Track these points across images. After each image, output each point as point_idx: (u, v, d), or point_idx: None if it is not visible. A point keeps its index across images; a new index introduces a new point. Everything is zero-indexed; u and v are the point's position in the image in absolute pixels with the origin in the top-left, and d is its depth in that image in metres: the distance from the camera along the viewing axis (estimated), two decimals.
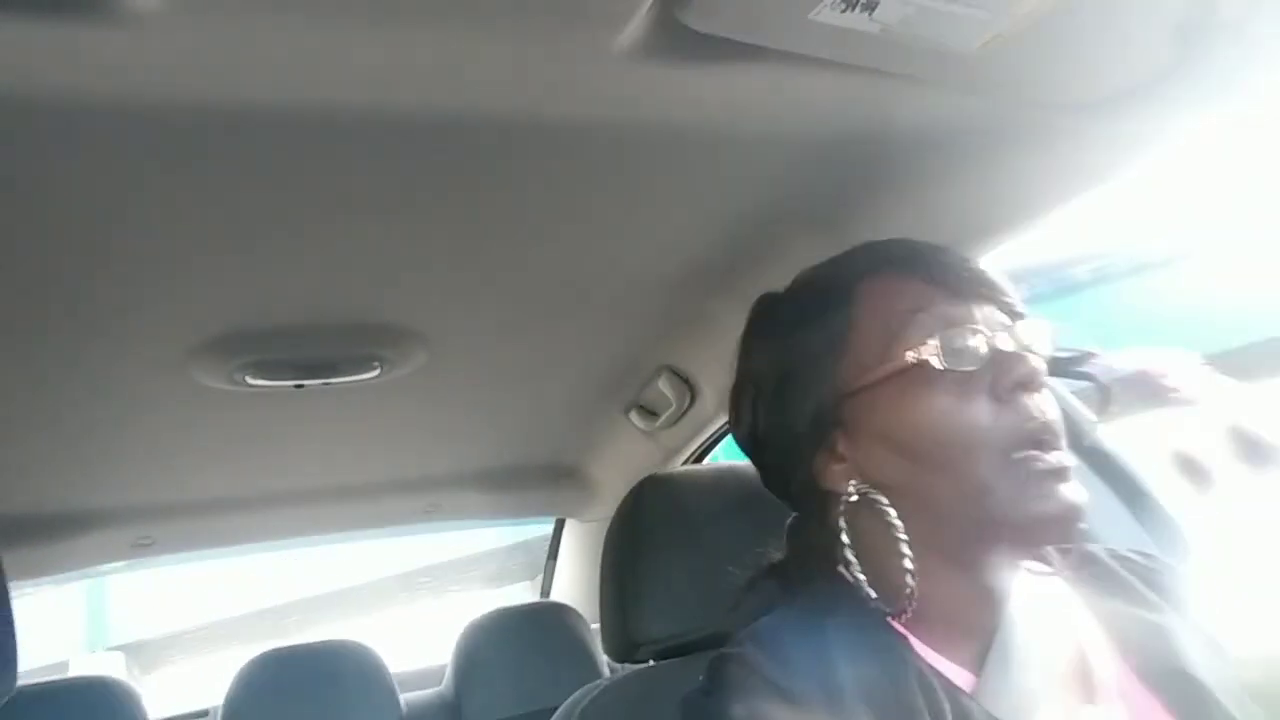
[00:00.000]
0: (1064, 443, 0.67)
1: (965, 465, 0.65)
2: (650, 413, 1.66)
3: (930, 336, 0.67)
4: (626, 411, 1.69)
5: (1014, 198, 0.99)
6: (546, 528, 2.40)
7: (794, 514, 0.80)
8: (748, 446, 0.81)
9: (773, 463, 0.78)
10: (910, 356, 0.67)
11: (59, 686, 1.63)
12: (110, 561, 1.89)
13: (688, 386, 1.54)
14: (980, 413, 0.66)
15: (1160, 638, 0.70)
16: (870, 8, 0.62)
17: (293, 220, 0.92)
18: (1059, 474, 0.65)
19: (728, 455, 1.73)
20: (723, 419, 1.61)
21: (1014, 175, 0.95)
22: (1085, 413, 1.11)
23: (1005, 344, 0.68)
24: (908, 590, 0.66)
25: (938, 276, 0.71)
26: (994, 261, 1.08)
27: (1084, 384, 0.79)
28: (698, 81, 0.73)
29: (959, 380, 0.66)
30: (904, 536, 0.67)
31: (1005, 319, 0.70)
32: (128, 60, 0.63)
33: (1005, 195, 0.98)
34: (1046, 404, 0.67)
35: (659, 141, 0.85)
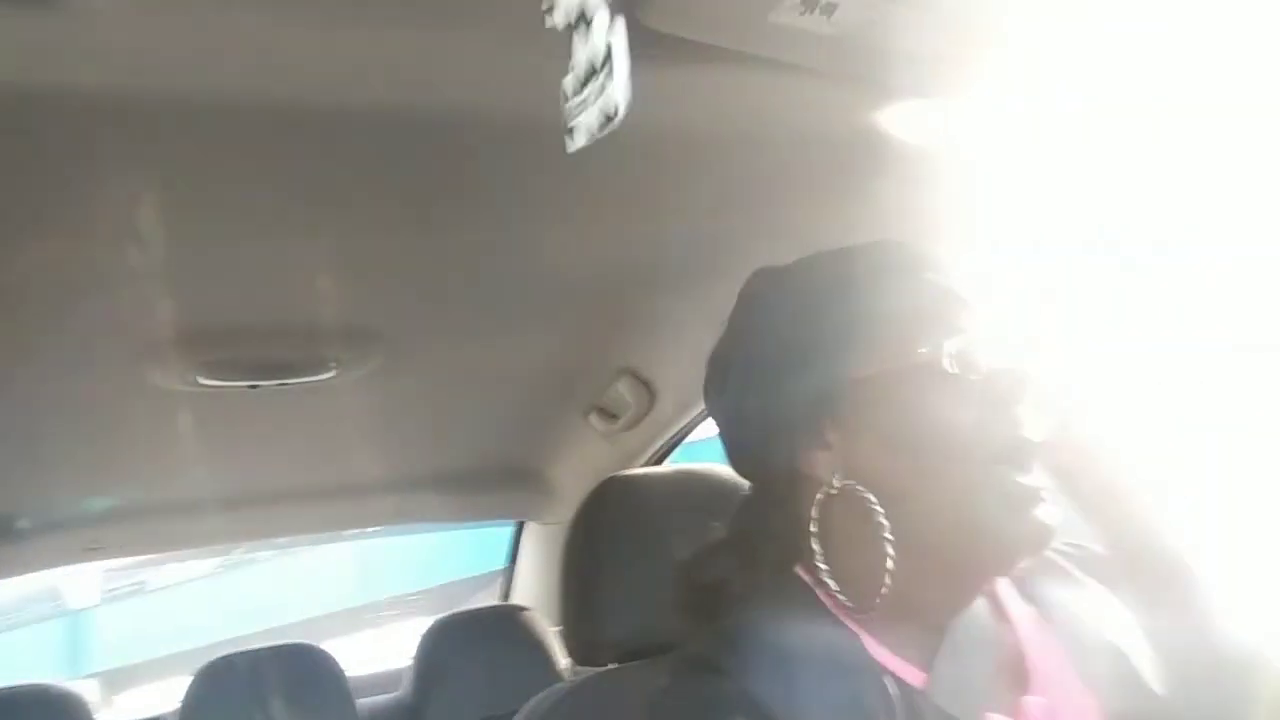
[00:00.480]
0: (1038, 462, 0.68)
1: (956, 471, 0.66)
2: (610, 415, 1.66)
3: (946, 339, 0.67)
4: (586, 414, 1.68)
5: (976, 204, 1.00)
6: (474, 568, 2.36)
7: (749, 493, 0.79)
8: (725, 418, 0.78)
9: (750, 439, 0.76)
10: (923, 355, 0.67)
11: (3, 694, 1.60)
12: (60, 565, 1.85)
13: (647, 389, 1.54)
14: (977, 420, 0.66)
15: (1086, 615, 0.72)
16: (829, 11, 0.62)
17: (246, 218, 0.90)
18: (1036, 495, 0.66)
19: (684, 458, 1.74)
20: (682, 421, 1.62)
21: (977, 181, 0.96)
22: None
23: (1006, 355, 0.68)
24: (882, 589, 0.66)
25: (956, 282, 0.71)
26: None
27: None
28: (657, 82, 0.73)
29: (962, 385, 0.67)
30: (890, 536, 0.66)
31: (1004, 330, 0.71)
32: (77, 50, 0.61)
33: (968, 201, 0.99)
34: (1032, 418, 0.68)
35: (617, 142, 0.84)
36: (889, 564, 0.66)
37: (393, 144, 0.79)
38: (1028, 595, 0.75)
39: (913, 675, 0.67)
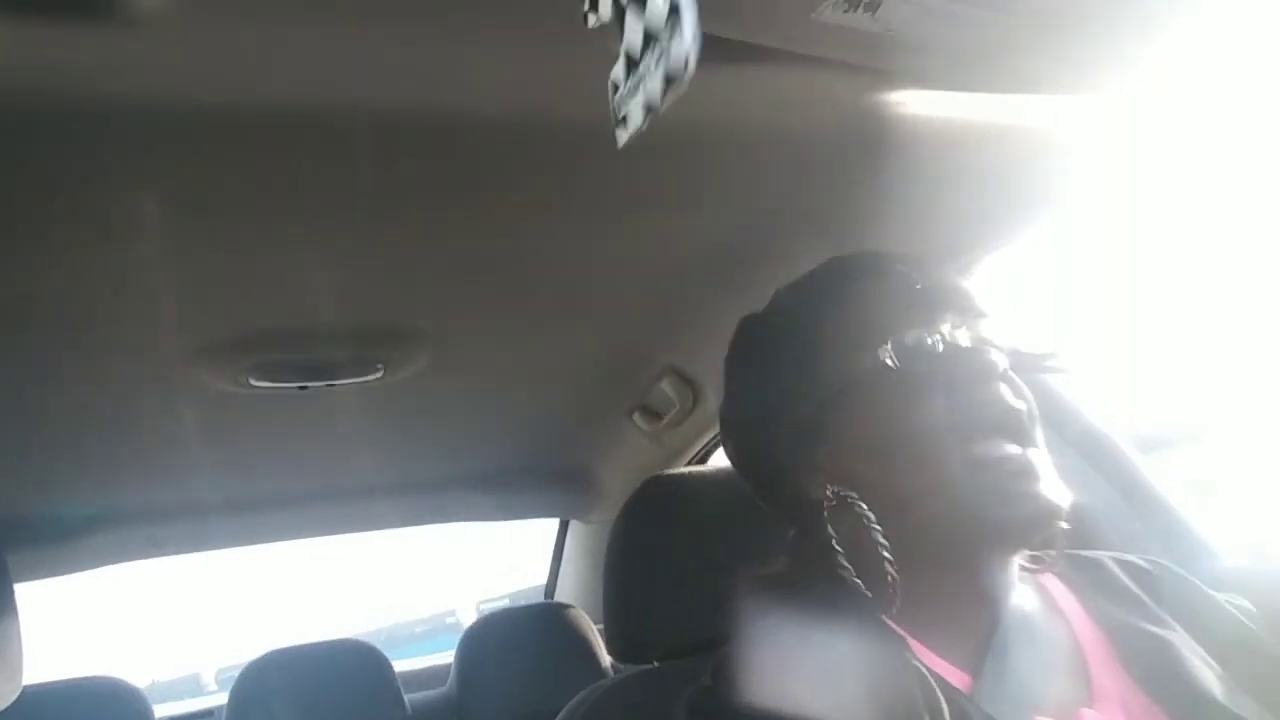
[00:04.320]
0: (1037, 435, 0.68)
1: (932, 462, 0.66)
2: (654, 414, 1.66)
3: (885, 342, 0.68)
4: (630, 413, 1.69)
5: (1019, 197, 0.98)
6: None
7: (793, 528, 0.81)
8: (736, 465, 0.83)
9: (760, 479, 0.80)
10: (867, 362, 0.69)
11: (65, 686, 1.64)
12: (116, 562, 1.89)
13: (691, 388, 1.54)
14: (940, 408, 0.67)
15: (1165, 652, 0.69)
16: (873, 7, 0.62)
17: (298, 222, 0.92)
18: (1028, 472, 0.65)
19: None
20: None
21: (1020, 175, 0.95)
22: (1071, 403, 1.11)
23: (963, 340, 0.69)
24: (889, 580, 0.67)
25: (897, 284, 0.72)
26: (1002, 261, 1.08)
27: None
28: (702, 81, 0.73)
29: (917, 380, 0.67)
30: (878, 528, 0.68)
31: (964, 319, 0.71)
32: (131, 61, 0.63)
33: (1010, 195, 0.98)
34: (1009, 394, 0.68)
35: (663, 142, 0.84)
36: (885, 554, 0.67)
37: (440, 148, 0.80)
38: (1090, 608, 0.73)
39: (958, 678, 0.66)
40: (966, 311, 0.71)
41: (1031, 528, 0.66)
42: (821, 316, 0.73)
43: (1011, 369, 0.69)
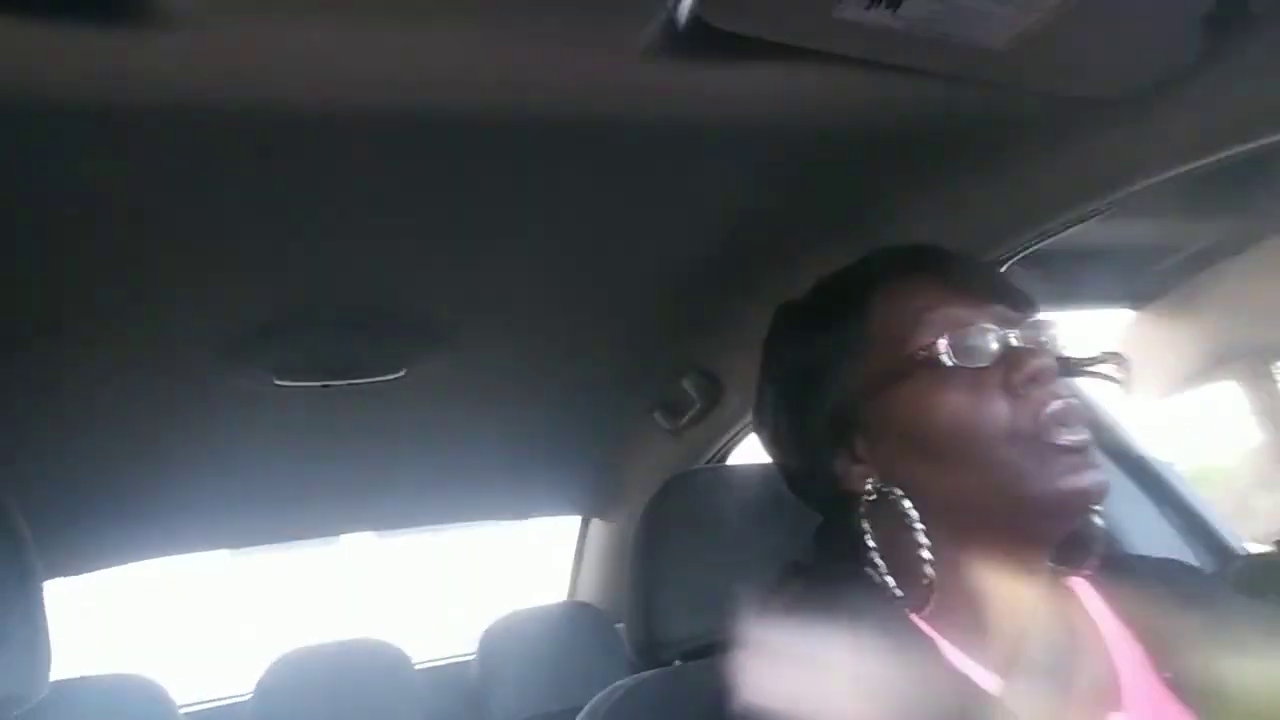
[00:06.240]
0: (1084, 427, 0.67)
1: (979, 459, 0.65)
2: (675, 412, 1.65)
3: (940, 336, 0.67)
4: (651, 411, 1.68)
5: (1039, 197, 0.97)
6: None
7: (821, 519, 0.80)
8: (771, 451, 0.82)
9: (795, 466, 0.79)
10: (920, 355, 0.68)
11: (90, 683, 1.65)
12: (139, 559, 1.91)
13: (713, 385, 1.53)
14: (993, 408, 0.66)
15: (1194, 654, 0.68)
16: (894, 4, 0.62)
17: (319, 221, 0.92)
18: (1078, 449, 0.65)
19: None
20: (747, 417, 1.61)
21: (1039, 173, 0.94)
22: (1111, 413, 1.10)
23: (1017, 340, 0.68)
24: (925, 581, 0.66)
25: (949, 279, 0.72)
26: (1020, 261, 1.07)
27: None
28: (722, 79, 0.73)
29: (971, 377, 0.67)
30: (920, 526, 0.67)
31: (1018, 317, 0.70)
32: (157, 62, 0.63)
33: (1030, 194, 0.97)
34: (1063, 394, 0.67)
35: (684, 139, 0.84)
36: (925, 554, 0.67)
37: (463, 147, 0.81)
38: (1120, 611, 0.73)
39: (988, 681, 0.66)
40: (1020, 310, 0.71)
41: (1075, 501, 0.65)
42: (870, 304, 0.72)
43: (1061, 373, 0.68)
